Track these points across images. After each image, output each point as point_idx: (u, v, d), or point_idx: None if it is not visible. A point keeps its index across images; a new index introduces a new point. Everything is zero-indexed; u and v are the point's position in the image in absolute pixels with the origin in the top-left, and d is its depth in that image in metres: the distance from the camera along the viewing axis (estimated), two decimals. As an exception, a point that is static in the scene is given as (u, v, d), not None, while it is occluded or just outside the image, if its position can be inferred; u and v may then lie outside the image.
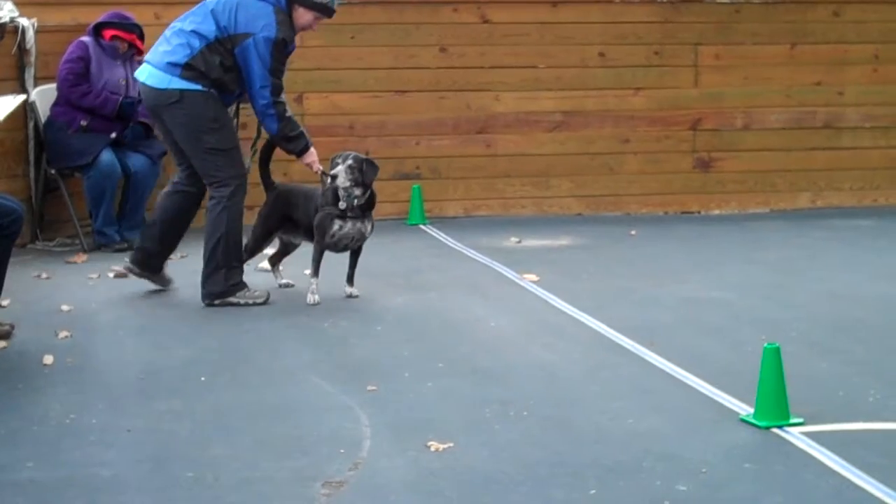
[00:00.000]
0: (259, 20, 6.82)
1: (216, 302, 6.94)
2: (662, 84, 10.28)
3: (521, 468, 4.36)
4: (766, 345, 4.78)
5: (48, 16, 9.23)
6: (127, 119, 8.83)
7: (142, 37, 8.97)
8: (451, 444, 4.58)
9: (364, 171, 6.98)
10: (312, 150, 7.07)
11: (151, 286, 7.38)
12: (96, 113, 8.72)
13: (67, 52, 8.81)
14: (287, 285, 7.39)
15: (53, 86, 8.91)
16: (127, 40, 8.89)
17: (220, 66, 6.84)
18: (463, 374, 5.55)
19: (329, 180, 6.94)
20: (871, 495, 4.08)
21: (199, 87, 6.81)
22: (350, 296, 7.07)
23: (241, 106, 7.58)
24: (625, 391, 5.31)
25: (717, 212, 10.43)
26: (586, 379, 5.52)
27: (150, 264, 7.30)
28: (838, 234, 9.37)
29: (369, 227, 7.12)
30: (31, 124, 9.04)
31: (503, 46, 10.07)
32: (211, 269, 6.93)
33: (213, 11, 6.87)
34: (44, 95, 8.98)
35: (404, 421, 4.91)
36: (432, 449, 4.55)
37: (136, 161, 8.85)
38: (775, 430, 4.71)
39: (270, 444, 4.63)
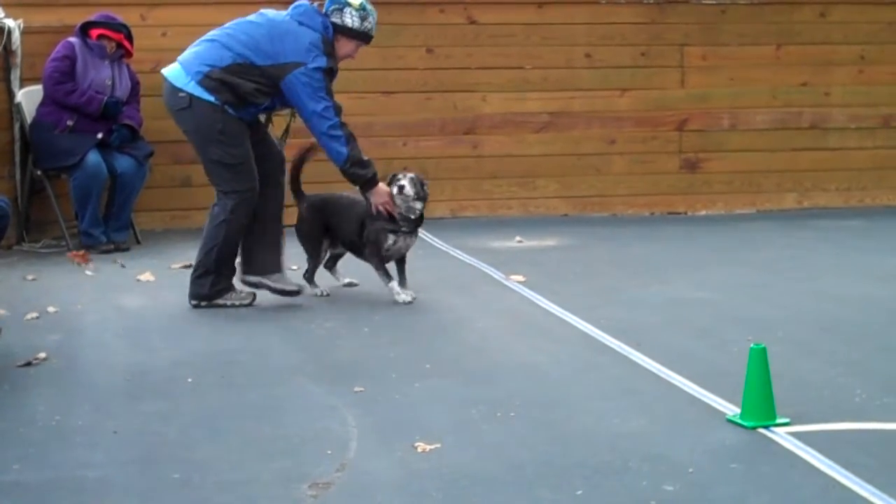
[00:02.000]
0: (309, 51, 6.69)
1: (202, 304, 6.93)
2: (649, 85, 10.31)
3: (508, 469, 4.36)
4: (752, 345, 4.78)
5: (34, 17, 9.23)
6: (111, 119, 8.82)
7: (129, 38, 8.97)
8: (438, 445, 4.58)
9: (424, 187, 7.05)
10: (382, 185, 6.91)
11: (140, 288, 7.38)
12: (81, 112, 8.71)
13: (54, 52, 8.80)
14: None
15: (39, 87, 8.92)
16: (115, 40, 8.88)
17: (252, 81, 6.69)
18: (450, 375, 5.55)
19: (396, 190, 6.95)
20: (858, 495, 4.09)
21: (211, 98, 6.68)
22: (407, 302, 7.02)
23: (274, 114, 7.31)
24: (611, 392, 5.32)
25: (703, 212, 10.46)
26: (573, 379, 5.52)
27: (266, 267, 7.03)
28: (824, 234, 9.39)
29: (415, 241, 7.20)
30: (16, 125, 9.03)
31: (490, 47, 10.08)
32: (200, 273, 6.91)
33: (259, 36, 6.74)
34: (30, 96, 8.98)
35: (391, 422, 4.90)
36: (419, 450, 4.54)
37: (123, 162, 8.85)
38: (762, 431, 4.71)
39: (257, 445, 4.62)
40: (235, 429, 4.83)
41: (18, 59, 9.07)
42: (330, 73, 6.79)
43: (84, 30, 8.86)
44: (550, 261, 8.28)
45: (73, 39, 8.82)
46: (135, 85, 9.11)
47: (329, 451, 4.54)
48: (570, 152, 10.28)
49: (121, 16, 9.04)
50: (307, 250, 7.30)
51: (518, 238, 8.57)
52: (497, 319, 6.67)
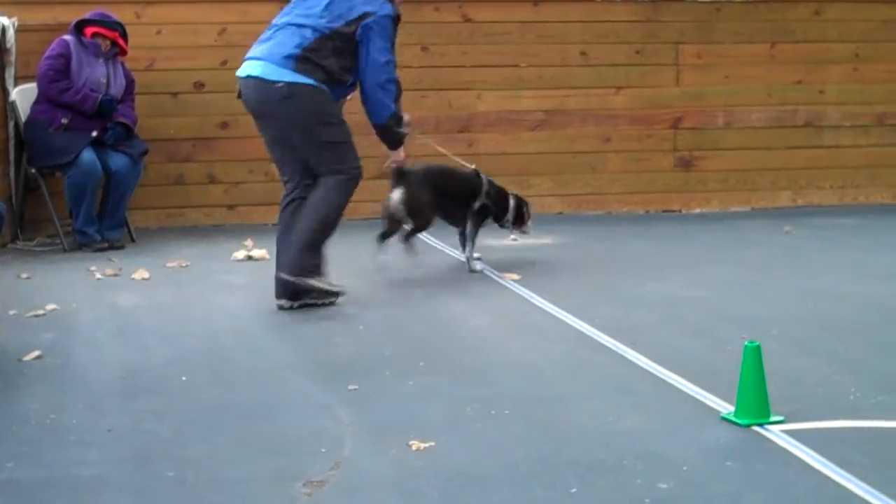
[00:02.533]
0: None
1: (295, 279, 6.70)
2: (644, 83, 10.30)
3: (503, 467, 4.36)
4: (746, 343, 4.78)
5: (29, 15, 9.23)
6: (106, 117, 8.81)
7: (125, 35, 8.96)
8: (433, 443, 4.58)
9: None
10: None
11: (135, 287, 7.39)
12: (76, 110, 8.71)
13: (49, 49, 8.79)
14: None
15: (34, 85, 8.90)
16: (109, 38, 8.87)
17: (334, 53, 6.69)
18: (444, 373, 5.55)
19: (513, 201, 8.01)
20: (851, 492, 4.09)
21: (310, 81, 6.63)
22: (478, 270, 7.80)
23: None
24: (606, 390, 5.32)
25: (698, 210, 10.46)
26: (568, 377, 5.52)
27: (316, 272, 6.85)
28: (819, 232, 9.40)
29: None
30: (11, 123, 9.02)
31: (485, 45, 10.08)
32: (300, 248, 6.72)
33: (323, 3, 6.76)
34: (24, 95, 8.97)
35: (385, 420, 4.90)
36: (413, 448, 4.54)
37: (117, 160, 8.84)
38: (756, 429, 4.72)
39: (251, 444, 4.62)
40: (230, 427, 4.82)
41: (13, 57, 9.06)
42: (397, 20, 6.86)
43: (79, 28, 8.85)
44: (545, 259, 8.28)
45: (67, 37, 8.81)
46: (129, 83, 9.10)
47: (323, 450, 4.53)
48: (565, 150, 10.28)
49: (115, 13, 9.03)
50: (415, 221, 7.58)
51: (513, 236, 8.57)
52: (492, 317, 6.67)
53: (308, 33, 6.69)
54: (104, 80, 8.85)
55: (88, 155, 8.65)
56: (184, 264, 8.09)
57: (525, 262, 8.10)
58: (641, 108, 10.33)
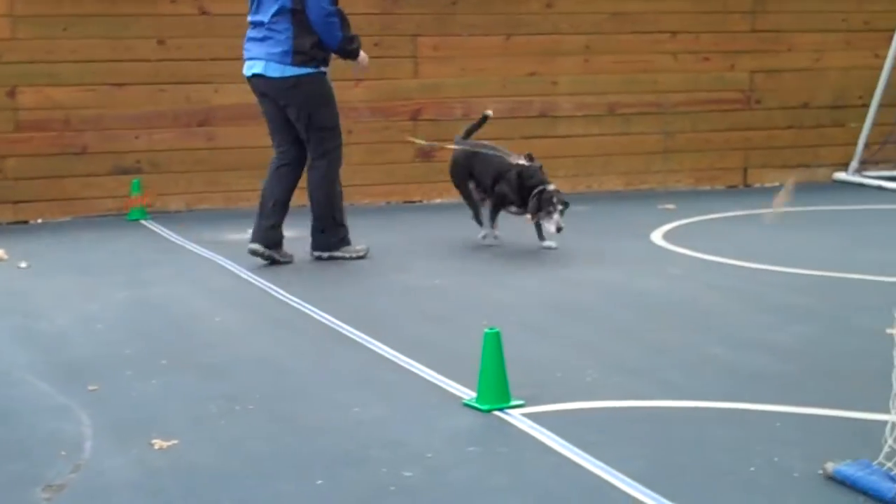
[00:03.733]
0: None
1: (324, 255, 7.88)
2: (382, 75, 10.36)
3: (247, 463, 4.34)
4: (486, 330, 4.88)
5: None
6: None
7: None
8: (176, 442, 4.52)
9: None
10: (363, 54, 7.97)
11: None
12: None
13: None
14: (495, 238, 8.37)
15: None
16: None
17: (308, 29, 7.58)
18: (187, 371, 5.49)
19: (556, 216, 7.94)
20: (588, 471, 4.22)
21: (311, 69, 7.68)
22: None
23: None
24: (351, 381, 5.35)
25: (438, 200, 10.60)
26: (313, 370, 5.53)
27: (272, 238, 7.84)
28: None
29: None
30: None
31: (223, 38, 9.97)
32: (322, 227, 7.90)
33: None
34: None
35: (127, 420, 4.82)
36: (156, 447, 4.48)
37: None
38: (497, 413, 4.82)
39: (-14, 450, 4.48)
40: (-37, 434, 4.67)
41: None
42: None
43: None
44: (290, 252, 8.24)
45: None
46: None
47: (63, 452, 4.43)
48: (306, 143, 10.26)
49: None
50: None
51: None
52: (236, 313, 6.62)
53: (285, 25, 7.63)
54: None
55: None
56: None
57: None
58: (381, 100, 10.41)
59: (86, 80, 9.63)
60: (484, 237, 8.44)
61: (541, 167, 8.18)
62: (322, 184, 7.90)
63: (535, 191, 7.99)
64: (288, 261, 7.82)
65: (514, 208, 8.22)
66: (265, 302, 6.87)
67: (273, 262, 7.75)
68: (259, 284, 7.24)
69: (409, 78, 10.51)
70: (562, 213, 7.95)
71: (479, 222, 8.49)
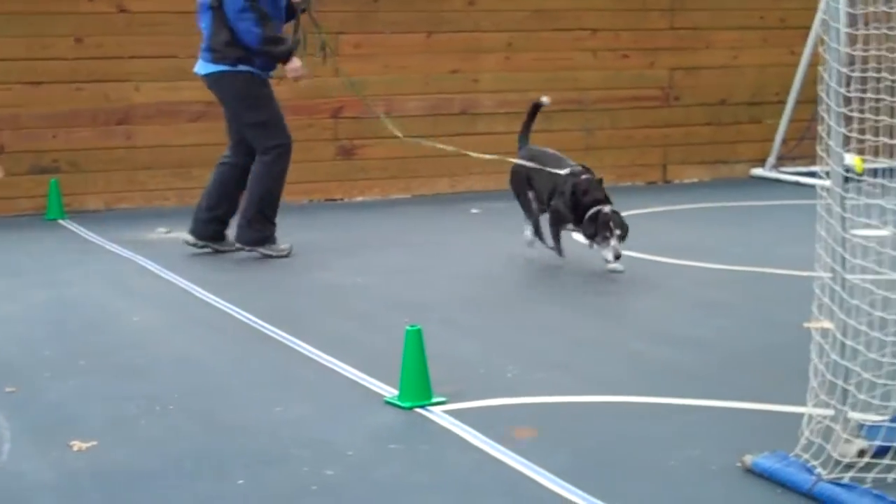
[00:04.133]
0: None
1: (245, 249, 7.83)
2: (303, 73, 10.31)
3: (167, 463, 4.31)
4: (407, 327, 4.88)
5: None
6: None
7: None
8: (95, 443, 4.48)
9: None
10: (295, 59, 7.88)
11: None
12: None
13: None
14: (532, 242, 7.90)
15: None
16: None
17: (224, 26, 7.57)
18: (106, 371, 5.44)
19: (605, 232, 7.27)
20: (508, 466, 4.24)
21: (227, 67, 7.66)
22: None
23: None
24: (272, 380, 5.33)
25: (360, 198, 10.58)
26: (233, 370, 5.50)
27: (205, 232, 7.93)
28: (457, 217, 9.65)
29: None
30: None
31: (142, 36, 9.90)
32: (247, 220, 7.78)
33: None
34: None
35: (46, 421, 4.77)
36: (75, 448, 4.44)
37: None
38: (419, 411, 4.82)
39: None
40: None
41: None
42: None
43: None
44: (208, 251, 8.18)
45: None
46: None
47: (-21, 456, 4.38)
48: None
49: None
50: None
51: (161, 229, 8.51)
52: (155, 312, 6.57)
53: (207, 22, 7.68)
54: None
55: None
56: None
57: (186, 255, 7.97)
58: (302, 98, 10.35)
59: (1, 79, 9.51)
60: (531, 243, 7.92)
61: (600, 181, 7.53)
62: (261, 178, 7.82)
63: (591, 212, 7.33)
64: (229, 249, 7.95)
65: (570, 226, 7.57)
66: (185, 301, 6.82)
67: (214, 251, 7.94)
68: (179, 284, 7.18)
69: (330, 75, 10.45)
70: (621, 238, 7.28)
71: (540, 237, 7.84)
